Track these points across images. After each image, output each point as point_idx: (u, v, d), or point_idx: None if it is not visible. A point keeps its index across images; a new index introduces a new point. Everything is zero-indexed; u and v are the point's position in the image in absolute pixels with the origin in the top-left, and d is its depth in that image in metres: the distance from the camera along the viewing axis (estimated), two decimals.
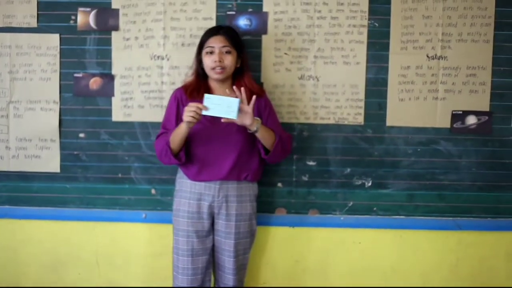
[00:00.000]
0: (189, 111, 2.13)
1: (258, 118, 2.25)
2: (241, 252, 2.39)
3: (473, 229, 2.68)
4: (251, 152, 2.35)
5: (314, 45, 2.60)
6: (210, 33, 2.33)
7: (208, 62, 2.29)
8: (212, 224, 2.38)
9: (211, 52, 2.28)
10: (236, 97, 2.17)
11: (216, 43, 2.28)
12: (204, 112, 2.13)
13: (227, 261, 2.37)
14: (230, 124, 2.21)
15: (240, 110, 2.15)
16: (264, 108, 2.37)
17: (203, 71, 2.35)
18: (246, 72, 2.37)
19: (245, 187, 2.37)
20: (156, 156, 2.38)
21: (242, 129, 2.26)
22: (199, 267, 2.36)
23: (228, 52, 2.29)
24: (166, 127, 2.36)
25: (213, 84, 2.36)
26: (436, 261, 2.73)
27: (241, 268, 2.42)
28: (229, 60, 2.29)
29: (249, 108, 2.18)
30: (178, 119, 2.30)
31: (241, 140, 2.30)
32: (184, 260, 2.35)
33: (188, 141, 2.29)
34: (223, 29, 2.34)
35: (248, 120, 2.18)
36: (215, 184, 2.32)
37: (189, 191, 2.35)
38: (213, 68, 2.27)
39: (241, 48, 2.35)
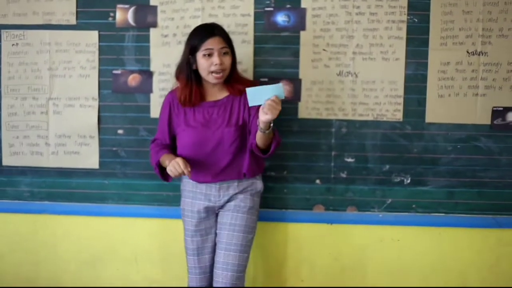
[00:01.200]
0: (173, 168, 2.15)
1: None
2: (233, 248, 2.29)
3: None
4: (243, 153, 2.31)
5: (352, 41, 2.61)
6: (205, 33, 2.22)
7: (207, 64, 2.20)
8: (216, 221, 2.38)
9: (210, 55, 2.20)
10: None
11: (215, 44, 2.20)
12: (250, 105, 2.11)
13: (218, 254, 2.31)
14: (223, 125, 2.25)
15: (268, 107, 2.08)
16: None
17: (195, 73, 2.26)
18: (235, 70, 2.32)
19: (246, 183, 2.35)
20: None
21: (235, 130, 2.26)
22: (207, 265, 2.36)
23: (226, 53, 2.23)
24: (162, 135, 2.39)
25: (206, 85, 2.30)
26: (475, 259, 2.72)
27: (236, 269, 2.29)
28: (228, 61, 2.24)
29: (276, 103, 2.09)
30: (171, 125, 2.34)
31: (233, 142, 2.26)
32: (191, 259, 2.37)
33: (185, 147, 2.30)
34: (217, 29, 2.26)
35: (269, 117, 2.08)
36: (215, 184, 2.32)
37: (192, 191, 2.36)
38: (212, 72, 2.21)
39: (233, 48, 2.29)
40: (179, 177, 2.20)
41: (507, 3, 2.58)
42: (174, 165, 2.15)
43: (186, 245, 2.40)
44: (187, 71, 2.26)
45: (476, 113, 2.62)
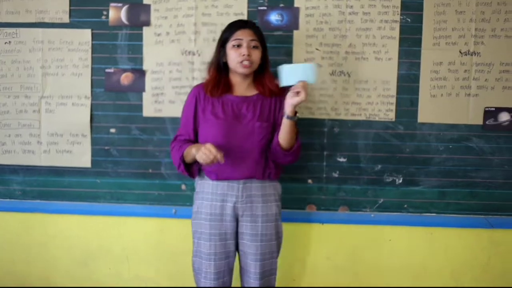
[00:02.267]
0: (205, 154, 2.10)
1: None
2: (268, 256, 2.30)
3: (505, 227, 2.69)
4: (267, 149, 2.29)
5: (345, 40, 2.63)
6: (237, 25, 2.26)
7: (235, 55, 2.22)
8: (236, 226, 2.30)
9: (239, 45, 2.23)
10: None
11: (245, 36, 2.23)
12: (282, 84, 2.12)
13: (253, 265, 2.29)
14: (254, 120, 2.23)
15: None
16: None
17: (224, 66, 2.28)
18: (267, 69, 2.32)
19: (269, 186, 2.30)
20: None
21: (265, 126, 2.25)
22: (222, 271, 2.29)
23: (255, 47, 2.24)
24: (185, 130, 2.33)
25: (234, 79, 2.30)
26: (467, 259, 2.74)
27: (267, 273, 2.32)
28: (256, 55, 2.25)
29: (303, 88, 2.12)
30: (196, 119, 2.30)
31: (263, 137, 2.25)
32: (207, 264, 2.28)
33: (211, 140, 2.22)
34: (249, 23, 2.30)
35: (303, 97, 2.12)
36: (238, 183, 2.26)
37: (211, 192, 2.28)
38: (241, 62, 2.22)
39: (265, 45, 2.30)
40: (211, 164, 2.12)
41: (500, 3, 2.60)
42: (205, 152, 2.09)
43: (200, 249, 2.29)
44: (218, 63, 2.29)
45: (468, 113, 2.65)
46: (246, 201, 2.26)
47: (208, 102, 2.28)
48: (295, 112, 2.18)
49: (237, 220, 2.29)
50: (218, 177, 2.27)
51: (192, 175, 2.32)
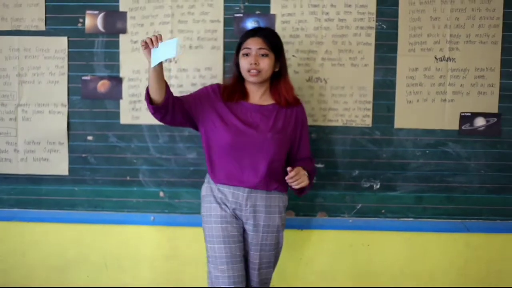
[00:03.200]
0: (143, 41, 2.07)
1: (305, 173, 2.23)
2: (265, 266, 2.31)
3: (482, 232, 2.73)
4: (281, 162, 2.28)
5: (321, 47, 2.66)
6: (248, 34, 2.27)
7: (244, 64, 2.23)
8: (242, 228, 2.30)
9: (247, 54, 2.23)
10: None
11: (253, 44, 2.22)
12: (153, 63, 2.07)
13: (252, 274, 2.31)
14: (266, 130, 2.22)
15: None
16: (301, 122, 2.34)
17: (240, 74, 2.29)
18: (284, 77, 2.30)
19: (274, 197, 2.28)
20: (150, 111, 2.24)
21: (277, 140, 2.23)
22: (240, 274, 2.24)
23: (265, 55, 2.22)
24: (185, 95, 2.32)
25: (249, 87, 2.30)
26: (444, 263, 2.78)
27: (263, 282, 2.34)
28: (266, 63, 2.22)
29: (302, 173, 2.19)
30: (199, 101, 2.26)
31: (273, 149, 2.23)
32: (224, 268, 2.22)
33: (220, 146, 2.24)
34: (261, 31, 2.28)
35: (304, 183, 2.20)
36: (243, 192, 2.24)
37: (219, 196, 2.27)
38: (248, 71, 2.22)
39: (279, 52, 2.28)
40: (151, 45, 2.07)
41: (474, 9, 2.64)
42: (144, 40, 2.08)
43: (214, 254, 2.24)
44: (235, 70, 2.31)
45: (444, 118, 2.68)
46: (249, 211, 2.25)
47: (221, 104, 2.27)
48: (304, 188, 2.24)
49: (243, 225, 2.30)
50: (223, 183, 2.25)
51: (158, 109, 2.19)
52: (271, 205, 2.28)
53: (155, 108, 2.18)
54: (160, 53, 2.05)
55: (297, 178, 2.16)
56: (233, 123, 2.23)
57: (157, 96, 2.16)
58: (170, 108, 2.21)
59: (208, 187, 2.31)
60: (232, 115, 2.24)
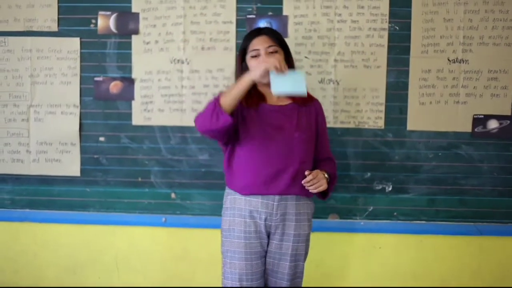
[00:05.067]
0: (271, 62, 2.00)
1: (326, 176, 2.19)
2: (293, 277, 2.24)
3: (495, 235, 2.75)
4: (310, 165, 2.22)
5: (334, 48, 2.69)
6: (251, 35, 2.22)
7: (255, 66, 2.12)
8: (267, 242, 2.23)
9: (257, 55, 2.16)
10: None
11: (261, 44, 2.17)
12: (274, 93, 2.02)
13: (279, 284, 2.23)
14: (292, 130, 2.17)
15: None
16: (321, 118, 2.31)
17: None
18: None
19: (303, 204, 2.23)
20: (197, 124, 2.12)
21: (304, 139, 2.19)
22: None
23: (275, 52, 2.16)
24: None
25: (263, 89, 2.22)
26: (457, 266, 2.80)
27: None
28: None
29: (320, 176, 2.14)
30: (236, 114, 2.14)
31: (302, 151, 2.19)
32: (244, 285, 2.17)
33: (243, 149, 2.19)
34: (265, 29, 2.25)
35: (323, 187, 2.15)
36: (273, 200, 2.16)
37: (243, 208, 2.18)
38: None
39: (287, 47, 2.23)
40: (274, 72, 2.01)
41: (488, 11, 2.67)
42: (271, 61, 2.02)
43: (235, 270, 2.18)
44: (241, 74, 2.15)
45: (457, 120, 2.71)
46: (279, 219, 2.18)
47: (246, 110, 2.19)
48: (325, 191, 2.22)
49: (268, 236, 2.22)
50: (251, 192, 2.18)
51: (226, 117, 2.04)
52: (300, 212, 2.22)
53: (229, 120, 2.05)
54: (285, 83, 2.01)
55: (314, 182, 2.12)
56: (260, 127, 2.17)
57: (228, 109, 2.05)
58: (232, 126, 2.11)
59: (232, 199, 2.22)
60: (258, 119, 2.18)
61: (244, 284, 2.17)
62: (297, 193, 2.20)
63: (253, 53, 2.18)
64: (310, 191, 2.16)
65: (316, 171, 2.16)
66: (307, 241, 2.27)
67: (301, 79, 2.04)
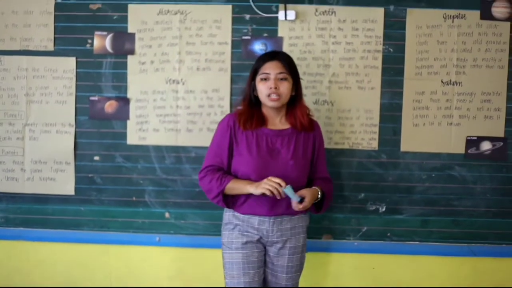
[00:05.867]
0: (270, 185, 2.14)
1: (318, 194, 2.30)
2: (293, 285, 2.39)
3: (488, 256, 2.78)
4: (302, 186, 2.29)
5: (329, 70, 2.73)
6: (265, 58, 2.29)
7: (263, 88, 2.24)
8: (265, 255, 2.37)
9: (266, 79, 2.25)
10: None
11: (272, 69, 2.25)
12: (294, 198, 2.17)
13: None
14: (288, 157, 2.26)
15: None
16: (318, 145, 2.39)
17: (256, 99, 2.31)
18: (299, 101, 2.33)
19: (298, 219, 2.35)
20: (203, 190, 2.35)
21: (299, 167, 2.28)
22: None
23: (284, 79, 2.25)
24: (219, 158, 2.31)
25: (267, 112, 2.32)
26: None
27: None
28: (285, 87, 2.25)
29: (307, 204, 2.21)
30: (231, 150, 2.29)
31: (296, 175, 2.27)
32: None
33: (244, 175, 2.27)
34: (279, 55, 2.31)
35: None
36: (269, 218, 2.29)
37: (241, 224, 2.31)
38: (268, 95, 2.24)
39: (296, 76, 2.32)
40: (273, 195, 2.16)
41: (481, 33, 2.71)
42: (269, 183, 2.15)
43: (231, 280, 2.31)
44: (250, 95, 2.32)
45: (450, 142, 2.74)
46: (276, 236, 2.31)
47: (242, 134, 2.29)
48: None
49: (264, 248, 2.36)
50: (247, 213, 2.30)
51: (227, 205, 2.31)
52: (296, 226, 2.35)
53: (227, 202, 2.31)
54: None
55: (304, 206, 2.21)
56: (255, 152, 2.26)
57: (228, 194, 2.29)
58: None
59: (231, 215, 2.35)
60: (254, 143, 2.27)
61: None
62: (291, 214, 2.32)
63: (263, 76, 2.26)
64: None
65: (306, 201, 2.21)
66: (302, 252, 2.39)
67: (290, 193, 2.17)
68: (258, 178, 2.23)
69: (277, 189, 2.14)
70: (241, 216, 2.31)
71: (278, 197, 2.16)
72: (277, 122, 2.33)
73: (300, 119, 2.32)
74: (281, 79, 2.25)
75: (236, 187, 2.24)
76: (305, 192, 2.23)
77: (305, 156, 2.32)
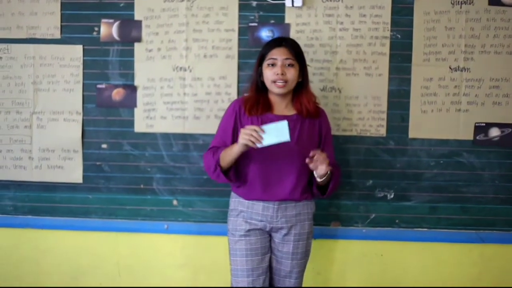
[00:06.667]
0: (246, 134, 2.12)
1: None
2: (297, 275, 2.40)
3: (496, 242, 2.79)
4: (309, 171, 2.29)
5: (336, 56, 2.74)
6: (272, 44, 2.30)
7: (269, 74, 2.25)
8: (270, 241, 2.39)
9: (273, 64, 2.25)
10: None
11: (279, 55, 2.25)
12: (259, 145, 2.13)
13: (283, 282, 2.39)
14: (293, 142, 2.21)
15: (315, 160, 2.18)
16: (325, 132, 2.39)
17: (262, 85, 2.32)
18: (305, 88, 2.33)
19: (303, 205, 2.36)
20: (205, 170, 2.37)
21: (303, 152, 2.24)
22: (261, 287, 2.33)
23: (290, 65, 2.25)
24: (222, 140, 2.34)
25: (273, 98, 2.33)
26: (458, 274, 2.84)
27: None
28: (292, 74, 2.25)
29: (323, 158, 2.18)
30: (235, 134, 2.29)
31: (300, 161, 2.25)
32: (244, 281, 2.32)
33: (246, 159, 2.28)
34: (286, 41, 2.32)
35: (323, 169, 2.20)
36: (273, 204, 2.31)
37: (245, 210, 2.34)
38: (274, 81, 2.25)
39: (303, 62, 2.32)
40: (254, 145, 2.12)
41: (489, 19, 2.71)
42: (246, 132, 2.11)
43: (237, 267, 2.34)
44: (256, 80, 2.33)
45: (458, 128, 2.75)
46: (281, 222, 2.33)
47: (247, 119, 2.30)
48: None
49: (270, 235, 2.38)
50: (252, 198, 2.33)
51: (230, 179, 2.31)
52: (301, 213, 2.36)
53: (229, 177, 2.30)
54: (270, 135, 2.13)
55: (317, 160, 2.18)
56: None
57: (228, 167, 2.27)
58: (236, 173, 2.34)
59: (236, 202, 2.38)
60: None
61: (246, 279, 2.31)
62: (296, 199, 2.34)
63: (270, 62, 2.26)
64: (311, 167, 2.22)
65: (321, 153, 2.20)
66: (308, 239, 2.39)
67: (285, 129, 2.12)
68: (260, 163, 2.28)
69: (254, 136, 2.11)
70: (246, 202, 2.34)
71: (259, 145, 2.11)
72: (283, 108, 2.34)
73: (306, 105, 2.32)
74: (288, 65, 2.26)
75: (227, 152, 2.23)
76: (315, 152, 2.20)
77: (310, 142, 2.32)
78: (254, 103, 2.31)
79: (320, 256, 2.84)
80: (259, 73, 2.32)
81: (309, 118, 2.34)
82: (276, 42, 2.32)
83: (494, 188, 2.76)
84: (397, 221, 2.78)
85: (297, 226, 2.35)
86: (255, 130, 2.12)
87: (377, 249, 2.83)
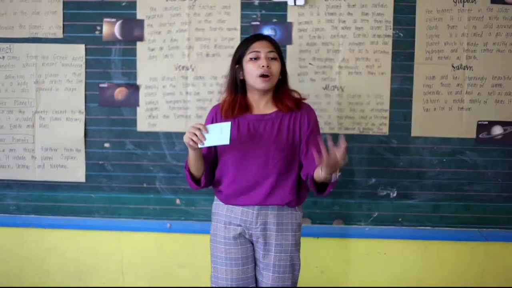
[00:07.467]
0: (189, 133, 2.07)
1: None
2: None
3: (500, 240, 2.81)
4: (291, 174, 2.21)
5: (338, 55, 2.75)
6: (253, 38, 2.22)
7: (253, 68, 2.15)
8: (253, 249, 2.27)
9: (256, 58, 2.16)
10: None
11: (262, 47, 2.17)
12: (200, 145, 2.08)
13: None
14: (270, 141, 2.17)
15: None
16: (307, 124, 2.23)
17: (241, 84, 2.23)
18: (286, 85, 2.27)
19: (286, 215, 2.22)
20: None
21: (282, 150, 2.18)
22: None
23: (274, 59, 2.18)
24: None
25: (252, 97, 2.24)
26: (462, 272, 2.85)
27: None
28: (276, 67, 2.17)
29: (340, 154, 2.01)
30: None
31: (280, 163, 2.18)
32: None
33: (223, 161, 2.24)
34: (266, 36, 2.28)
35: (333, 168, 2.04)
36: (252, 209, 2.20)
37: (224, 215, 2.25)
38: (260, 75, 2.14)
39: (282, 59, 2.25)
40: (197, 145, 2.07)
41: (492, 18, 2.72)
42: (189, 131, 2.07)
43: (217, 275, 2.26)
44: (233, 81, 2.23)
45: (461, 127, 2.77)
46: (260, 229, 2.21)
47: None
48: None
49: (252, 244, 2.27)
50: (230, 203, 2.24)
51: (199, 184, 2.26)
52: (282, 222, 2.22)
53: (199, 182, 2.28)
54: (212, 137, 2.08)
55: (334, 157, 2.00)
56: (236, 138, 2.17)
57: (196, 172, 2.24)
58: (210, 178, 2.30)
59: (217, 205, 2.31)
60: (235, 129, 2.18)
61: None
62: (276, 204, 2.21)
63: (253, 55, 2.17)
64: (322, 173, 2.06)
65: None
66: (291, 252, 2.24)
67: (227, 131, 2.05)
68: (238, 165, 2.20)
69: (197, 136, 2.06)
70: (225, 207, 2.25)
71: (200, 145, 2.07)
72: (262, 107, 2.24)
73: (286, 103, 2.22)
74: (272, 58, 2.17)
75: (189, 155, 2.19)
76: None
77: (288, 141, 2.21)
78: (229, 106, 2.21)
79: (324, 254, 2.85)
80: (237, 72, 2.22)
81: (290, 113, 2.22)
82: (257, 36, 2.26)
83: (497, 186, 2.78)
84: (400, 219, 2.80)
85: (278, 237, 2.21)
86: (199, 129, 2.07)
87: (380, 248, 2.85)
